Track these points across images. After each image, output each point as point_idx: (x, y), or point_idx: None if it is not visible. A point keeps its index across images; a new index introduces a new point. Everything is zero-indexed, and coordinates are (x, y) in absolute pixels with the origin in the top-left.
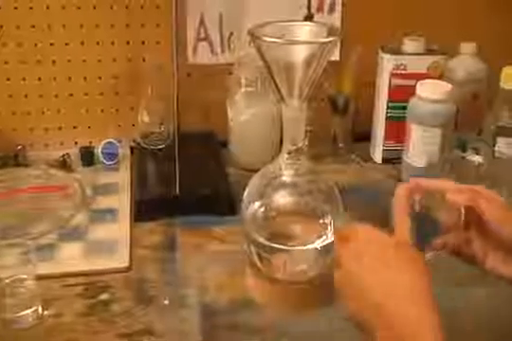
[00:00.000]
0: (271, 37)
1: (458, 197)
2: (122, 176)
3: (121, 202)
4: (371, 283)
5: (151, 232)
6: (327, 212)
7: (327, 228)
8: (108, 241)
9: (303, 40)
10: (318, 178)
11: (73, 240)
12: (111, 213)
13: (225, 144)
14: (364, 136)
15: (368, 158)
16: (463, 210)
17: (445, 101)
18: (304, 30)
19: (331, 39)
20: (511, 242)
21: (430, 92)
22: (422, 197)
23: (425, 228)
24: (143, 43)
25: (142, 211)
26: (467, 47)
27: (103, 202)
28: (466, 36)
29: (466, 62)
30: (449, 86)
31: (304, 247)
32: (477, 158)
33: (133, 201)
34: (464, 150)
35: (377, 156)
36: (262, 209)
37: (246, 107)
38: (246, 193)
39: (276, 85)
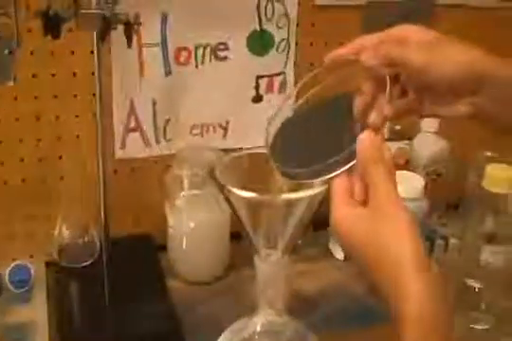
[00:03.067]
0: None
1: (374, 63)
2: (38, 310)
3: None
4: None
5: None
6: None
7: None
8: None
9: (286, 196)
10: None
11: None
12: None
13: (163, 247)
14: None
15: (329, 253)
16: (387, 77)
17: (417, 200)
18: None
19: (319, 191)
20: (438, 82)
21: (402, 190)
22: None
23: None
24: (58, 138)
25: None
26: (429, 125)
27: None
28: None
29: (428, 141)
30: (422, 181)
31: None
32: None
33: None
34: (432, 241)
35: (339, 253)
36: None
37: (189, 214)
38: None
39: (248, 235)
